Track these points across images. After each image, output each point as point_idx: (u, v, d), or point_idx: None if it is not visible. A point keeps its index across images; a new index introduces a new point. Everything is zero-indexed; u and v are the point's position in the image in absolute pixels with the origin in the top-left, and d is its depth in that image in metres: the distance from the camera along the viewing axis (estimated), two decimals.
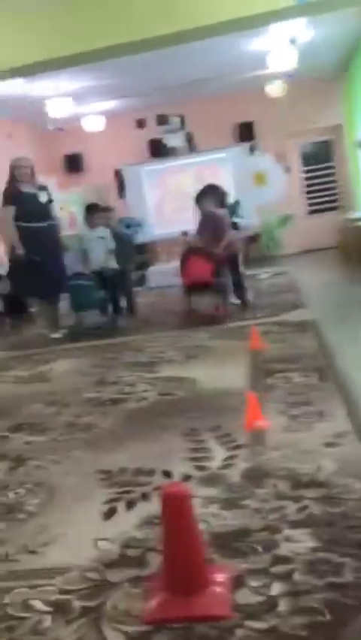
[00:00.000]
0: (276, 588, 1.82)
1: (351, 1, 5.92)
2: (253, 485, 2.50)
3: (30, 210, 6.44)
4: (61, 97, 9.10)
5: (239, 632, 1.66)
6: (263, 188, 11.08)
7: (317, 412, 3.24)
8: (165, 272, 9.76)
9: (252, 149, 11.34)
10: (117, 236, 7.41)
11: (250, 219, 9.98)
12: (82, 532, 2.34)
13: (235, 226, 7.36)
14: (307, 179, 12.20)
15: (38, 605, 1.92)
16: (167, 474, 2.75)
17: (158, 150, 11.61)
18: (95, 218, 7.27)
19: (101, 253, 7.06)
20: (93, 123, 11.17)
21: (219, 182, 8.28)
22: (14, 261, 6.61)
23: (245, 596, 1.80)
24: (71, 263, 7.00)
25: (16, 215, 6.39)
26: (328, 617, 1.67)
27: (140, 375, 4.62)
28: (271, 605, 1.75)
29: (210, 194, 6.88)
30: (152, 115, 11.11)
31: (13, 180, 6.51)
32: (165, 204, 11.56)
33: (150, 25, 5.65)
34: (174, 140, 11.28)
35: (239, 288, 6.95)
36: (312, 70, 10.12)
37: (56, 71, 6.89)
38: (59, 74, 7.52)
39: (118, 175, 11.60)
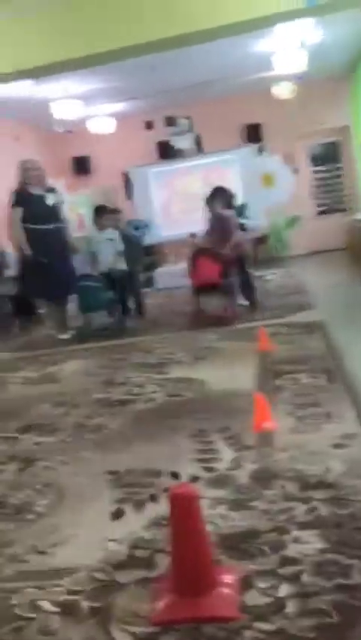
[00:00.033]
0: (284, 590, 1.81)
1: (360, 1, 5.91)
2: (261, 486, 2.49)
3: (38, 212, 6.46)
4: (69, 99, 9.13)
5: (247, 633, 1.66)
6: (271, 189, 11.06)
7: (325, 414, 3.23)
8: (172, 273, 9.78)
9: (260, 151, 11.33)
10: (125, 238, 7.44)
11: (257, 221, 9.97)
12: (90, 533, 2.34)
13: (242, 227, 7.36)
14: (316, 180, 12.18)
15: (46, 605, 1.92)
16: (175, 475, 2.75)
17: (166, 152, 11.62)
18: (104, 220, 7.29)
19: (109, 255, 7.07)
20: (101, 125, 11.19)
21: (227, 183, 8.29)
22: (23, 262, 6.64)
23: (253, 598, 1.80)
24: (80, 264, 7.02)
25: (24, 216, 6.42)
26: (336, 618, 1.66)
27: (148, 376, 4.63)
28: (279, 606, 1.74)
29: (219, 195, 6.90)
30: (160, 117, 11.12)
31: (22, 182, 6.55)
32: (172, 206, 11.57)
33: (158, 28, 5.65)
34: (182, 142, 11.29)
35: (247, 290, 6.95)
36: (320, 72, 10.10)
37: (64, 73, 6.91)
38: (66, 77, 7.54)
39: (126, 177, 11.62)
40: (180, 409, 3.75)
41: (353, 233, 9.69)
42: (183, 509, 1.78)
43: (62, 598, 1.95)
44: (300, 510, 2.25)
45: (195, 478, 2.68)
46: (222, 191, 7.06)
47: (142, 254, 8.93)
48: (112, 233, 7.20)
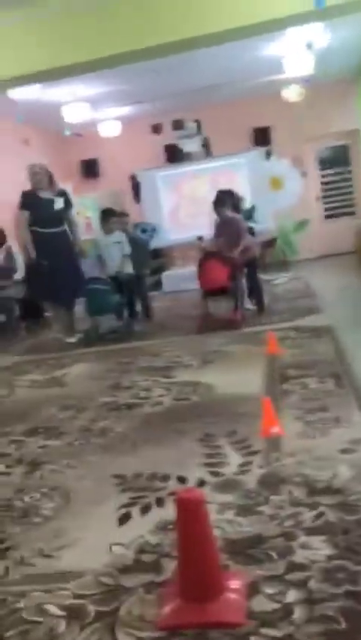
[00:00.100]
0: (291, 595, 1.80)
1: None
2: (269, 491, 2.48)
3: (45, 216, 6.49)
4: (77, 102, 9.15)
5: (253, 639, 1.65)
6: (279, 193, 11.03)
7: (333, 418, 3.22)
8: (180, 276, 9.78)
9: (268, 154, 11.31)
10: (133, 241, 7.45)
11: (266, 224, 9.96)
12: (97, 537, 2.34)
13: (250, 231, 7.35)
14: (324, 183, 12.15)
15: (53, 609, 1.92)
16: (182, 479, 2.74)
17: (174, 155, 11.62)
18: (111, 223, 7.30)
19: (117, 258, 7.08)
20: (109, 129, 11.22)
21: (235, 187, 8.29)
22: (28, 265, 6.67)
23: (260, 603, 1.79)
24: (88, 268, 7.03)
25: (32, 219, 6.46)
26: (344, 625, 1.65)
27: (155, 379, 4.62)
28: (286, 612, 1.73)
29: (227, 199, 6.89)
30: (168, 120, 11.14)
31: (32, 185, 6.59)
32: (180, 209, 11.56)
33: (167, 31, 5.65)
34: (190, 146, 11.29)
35: (255, 293, 6.94)
36: (329, 75, 10.08)
37: (72, 77, 6.92)
38: (74, 80, 7.56)
39: (134, 180, 11.63)
40: (187, 413, 3.74)
41: None
42: (190, 514, 1.78)
43: (69, 602, 1.94)
44: (308, 516, 2.24)
45: (202, 483, 2.67)
46: (230, 194, 7.05)
47: (149, 257, 8.95)
48: (119, 237, 7.20)
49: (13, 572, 2.18)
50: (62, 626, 1.83)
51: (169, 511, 2.35)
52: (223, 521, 2.28)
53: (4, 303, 7.81)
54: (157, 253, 10.74)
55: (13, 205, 7.07)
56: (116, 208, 8.38)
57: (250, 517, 2.30)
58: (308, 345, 4.99)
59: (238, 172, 11.06)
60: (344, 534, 2.08)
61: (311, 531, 2.13)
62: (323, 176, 12.14)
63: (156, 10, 5.63)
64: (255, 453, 2.91)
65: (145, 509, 2.51)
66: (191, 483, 2.69)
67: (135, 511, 2.50)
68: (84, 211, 10.34)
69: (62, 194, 6.78)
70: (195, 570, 1.78)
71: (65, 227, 6.70)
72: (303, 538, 2.09)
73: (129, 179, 11.61)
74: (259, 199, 10.15)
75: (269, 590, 1.84)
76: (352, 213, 11.93)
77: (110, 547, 2.23)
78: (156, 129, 11.23)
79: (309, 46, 7.85)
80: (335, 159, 12.16)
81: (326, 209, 12.17)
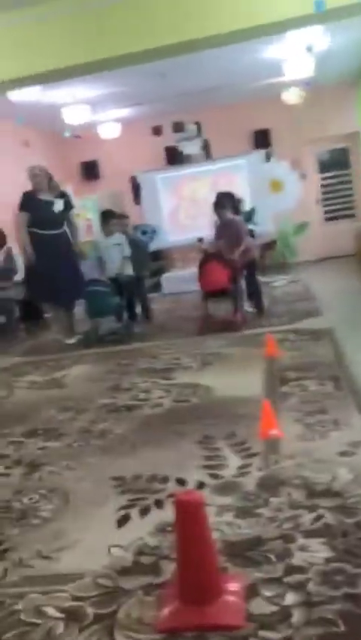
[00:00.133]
0: (290, 598, 1.80)
1: None
2: (268, 494, 2.48)
3: (44, 217, 6.49)
4: (77, 104, 9.16)
5: None
6: (279, 195, 11.03)
7: (333, 421, 3.22)
8: (180, 278, 9.77)
9: (268, 157, 11.32)
10: (133, 243, 7.45)
11: (265, 226, 9.96)
12: (96, 539, 2.34)
13: (251, 233, 7.35)
14: (324, 186, 12.16)
15: (51, 611, 1.92)
16: (181, 481, 2.74)
17: (174, 157, 11.63)
18: (111, 225, 7.30)
19: (117, 260, 7.08)
20: (109, 130, 11.23)
21: (235, 189, 8.29)
22: (27, 267, 6.67)
23: (259, 606, 1.79)
24: (88, 270, 7.03)
25: (31, 221, 6.46)
26: (342, 628, 1.65)
27: (155, 381, 4.62)
28: (285, 615, 1.73)
29: (227, 201, 6.90)
30: (168, 122, 11.14)
31: (33, 187, 6.59)
32: (180, 211, 11.57)
33: (167, 33, 5.66)
34: (190, 148, 11.29)
35: (255, 296, 6.94)
36: (329, 78, 10.09)
37: (72, 79, 6.93)
38: (74, 82, 7.56)
39: (134, 182, 11.64)
40: (186, 414, 3.74)
41: None
42: (189, 516, 1.78)
43: (67, 604, 1.94)
44: (306, 518, 2.24)
45: (201, 485, 2.67)
46: (230, 196, 7.06)
47: (149, 259, 8.94)
48: (119, 238, 7.20)
49: (11, 574, 2.18)
50: (60, 628, 1.83)
51: (168, 513, 2.35)
52: (222, 523, 2.28)
53: (4, 304, 7.81)
54: (157, 255, 10.74)
55: (13, 206, 7.08)
56: (116, 210, 8.38)
57: (248, 519, 2.30)
58: (307, 348, 4.99)
59: (238, 174, 11.07)
60: (343, 537, 2.08)
61: (310, 533, 2.13)
62: (323, 179, 12.15)
63: (155, 12, 5.64)
64: (254, 455, 2.91)
65: (144, 511, 2.51)
66: (190, 485, 2.69)
67: (134, 513, 2.50)
68: (85, 213, 10.34)
69: (63, 195, 6.79)
70: (193, 572, 1.78)
71: (65, 228, 6.70)
72: (302, 541, 2.09)
73: (129, 180, 11.61)
74: (259, 201, 10.15)
75: (268, 593, 1.84)
76: (352, 216, 11.94)
77: (109, 549, 2.23)
78: (157, 131, 11.23)
79: (309, 49, 7.86)
80: (335, 162, 12.17)
81: (326, 212, 12.17)
